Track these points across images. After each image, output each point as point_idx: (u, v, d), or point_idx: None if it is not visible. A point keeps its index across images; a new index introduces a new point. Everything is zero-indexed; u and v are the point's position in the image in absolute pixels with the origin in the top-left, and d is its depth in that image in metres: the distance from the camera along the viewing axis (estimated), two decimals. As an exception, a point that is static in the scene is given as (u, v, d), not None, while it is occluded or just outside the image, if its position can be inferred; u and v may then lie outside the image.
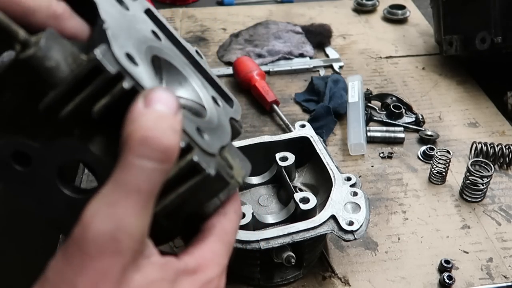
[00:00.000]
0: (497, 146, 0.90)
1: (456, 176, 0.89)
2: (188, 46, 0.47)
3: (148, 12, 0.45)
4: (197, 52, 0.47)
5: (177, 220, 0.42)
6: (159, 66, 0.41)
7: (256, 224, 0.68)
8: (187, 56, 0.46)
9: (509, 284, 0.71)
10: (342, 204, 0.67)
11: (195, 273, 0.38)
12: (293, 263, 0.65)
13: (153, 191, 0.33)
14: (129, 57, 0.35)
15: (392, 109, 1.02)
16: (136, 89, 0.34)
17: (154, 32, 0.43)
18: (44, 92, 0.34)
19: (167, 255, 0.37)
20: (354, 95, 1.03)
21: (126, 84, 0.34)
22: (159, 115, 0.33)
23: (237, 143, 0.78)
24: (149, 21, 0.44)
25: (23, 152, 0.37)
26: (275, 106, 1.03)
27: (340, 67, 1.20)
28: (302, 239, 0.64)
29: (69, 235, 0.32)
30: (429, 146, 0.94)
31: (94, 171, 0.39)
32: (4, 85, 0.35)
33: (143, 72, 0.35)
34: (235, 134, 0.46)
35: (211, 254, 0.39)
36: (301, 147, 0.80)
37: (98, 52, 0.33)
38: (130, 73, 0.34)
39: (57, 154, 0.37)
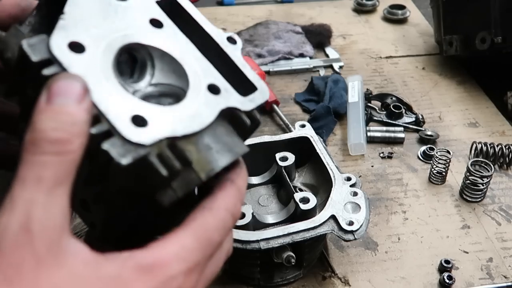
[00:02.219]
0: (497, 146, 0.90)
1: (456, 176, 0.89)
2: (215, 33, 0.46)
3: (165, 1, 0.46)
4: (229, 38, 0.47)
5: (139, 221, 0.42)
6: (148, 54, 0.42)
7: (256, 224, 0.68)
8: (203, 43, 0.46)
9: (509, 284, 0.71)
10: (342, 204, 0.67)
11: (151, 270, 0.34)
12: (293, 263, 0.65)
13: (59, 181, 0.33)
14: (74, 46, 0.38)
15: (392, 109, 1.02)
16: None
17: (152, 21, 0.43)
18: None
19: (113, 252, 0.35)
20: (354, 95, 1.03)
21: (46, 71, 0.36)
22: (59, 110, 0.33)
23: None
24: (154, 11, 0.44)
25: None
26: (275, 106, 1.03)
27: (340, 67, 1.20)
28: (302, 239, 0.64)
29: None
30: (429, 146, 0.94)
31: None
32: None
33: (83, 60, 0.37)
34: (239, 126, 0.43)
35: (177, 248, 0.36)
36: (301, 147, 0.80)
37: (25, 42, 0.36)
38: (59, 61, 0.36)
39: None
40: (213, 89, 0.42)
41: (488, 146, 0.90)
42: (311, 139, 0.79)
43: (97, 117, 0.36)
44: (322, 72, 1.18)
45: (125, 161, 0.35)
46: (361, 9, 1.44)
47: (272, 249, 0.65)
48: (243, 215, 0.66)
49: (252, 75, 0.45)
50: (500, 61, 1.12)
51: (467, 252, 0.76)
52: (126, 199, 0.41)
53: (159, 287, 0.34)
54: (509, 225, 0.80)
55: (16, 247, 0.31)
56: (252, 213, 0.66)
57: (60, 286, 0.31)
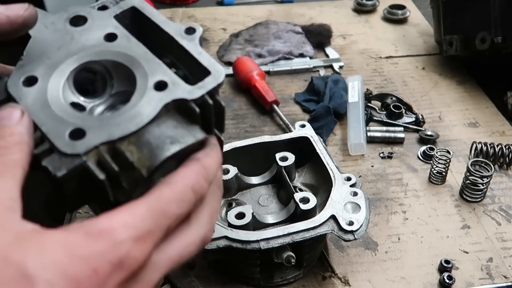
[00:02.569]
0: (497, 146, 0.90)
1: (456, 176, 0.89)
2: (173, 29, 0.49)
3: (124, 14, 0.50)
4: (187, 30, 0.49)
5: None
6: (104, 68, 0.47)
7: (256, 224, 0.68)
8: (165, 41, 0.49)
9: (509, 284, 0.71)
10: (342, 204, 0.67)
11: (98, 236, 0.35)
12: (293, 263, 0.65)
13: (1, 173, 0.38)
14: (27, 80, 0.43)
15: (392, 109, 1.02)
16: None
17: (106, 36, 0.48)
18: None
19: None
20: (354, 95, 1.03)
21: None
22: None
23: (238, 143, 0.78)
24: (111, 25, 0.48)
25: None
26: (275, 106, 1.03)
27: (340, 67, 1.20)
28: (302, 239, 0.64)
29: None
30: (429, 146, 0.94)
31: None
32: None
33: (33, 91, 0.43)
34: (181, 109, 0.45)
35: (126, 216, 0.37)
36: (301, 147, 0.80)
37: None
38: (13, 97, 0.42)
39: None
40: (159, 86, 0.44)
41: (488, 146, 0.90)
42: (311, 139, 0.79)
43: (42, 138, 0.41)
44: (322, 72, 1.18)
45: (60, 173, 0.39)
46: (361, 9, 1.44)
47: (272, 249, 0.65)
48: (243, 215, 0.66)
49: (207, 60, 0.46)
50: (500, 61, 1.12)
51: (467, 252, 0.76)
52: (95, 198, 0.43)
53: (106, 251, 0.35)
54: (509, 225, 0.80)
55: None
56: (252, 213, 0.66)
57: (4, 246, 0.33)
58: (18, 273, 0.32)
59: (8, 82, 0.43)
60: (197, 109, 0.44)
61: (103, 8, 0.50)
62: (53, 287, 0.33)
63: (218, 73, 0.46)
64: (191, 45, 0.48)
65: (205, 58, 0.47)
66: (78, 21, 0.49)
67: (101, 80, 0.47)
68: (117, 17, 0.49)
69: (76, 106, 0.45)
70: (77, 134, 0.41)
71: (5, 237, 0.34)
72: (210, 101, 0.45)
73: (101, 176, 0.40)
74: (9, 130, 0.40)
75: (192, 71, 0.47)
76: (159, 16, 0.50)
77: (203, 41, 0.49)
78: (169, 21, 0.49)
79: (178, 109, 0.44)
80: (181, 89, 0.44)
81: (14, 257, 0.33)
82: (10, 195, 0.36)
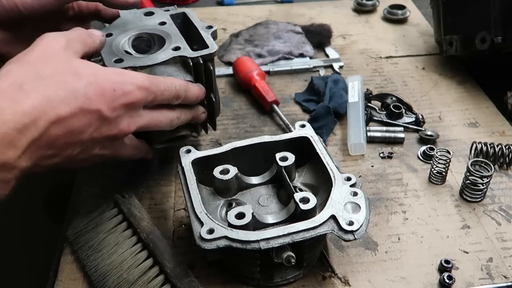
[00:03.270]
0: (497, 146, 0.90)
1: (456, 176, 0.89)
2: (200, 25, 0.83)
3: (178, 15, 0.87)
4: (207, 27, 0.83)
5: None
6: (152, 36, 0.80)
7: (256, 224, 0.68)
8: (196, 33, 0.82)
9: (509, 284, 0.71)
10: (342, 204, 0.67)
11: (119, 73, 0.64)
12: (293, 263, 0.65)
13: (72, 41, 0.65)
14: (107, 34, 0.78)
15: (392, 109, 1.02)
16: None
17: (160, 23, 0.83)
18: None
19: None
20: (354, 95, 1.03)
21: (97, 40, 0.71)
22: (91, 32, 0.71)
23: (238, 143, 0.78)
24: (165, 18, 0.84)
25: None
26: (275, 106, 1.03)
27: (340, 67, 1.20)
28: (302, 239, 0.64)
29: None
30: (429, 146, 0.94)
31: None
32: None
33: (109, 39, 0.77)
34: (184, 64, 0.76)
35: (137, 74, 0.66)
36: (301, 147, 0.80)
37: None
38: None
39: None
40: (175, 48, 0.76)
41: (488, 146, 0.90)
42: (311, 139, 0.79)
43: (100, 59, 0.72)
44: (322, 72, 1.18)
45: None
46: (361, 9, 1.44)
47: (272, 249, 0.65)
48: (243, 215, 0.66)
49: (210, 41, 0.79)
50: (500, 61, 1.12)
51: (467, 252, 0.76)
52: None
53: (121, 82, 0.62)
54: (509, 225, 0.80)
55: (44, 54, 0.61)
56: (252, 213, 0.66)
57: (64, 58, 0.61)
58: (73, 71, 0.59)
59: (98, 33, 0.72)
60: (190, 62, 0.75)
61: (167, 11, 0.86)
62: (91, 84, 0.59)
63: (212, 47, 0.78)
64: (205, 33, 0.81)
65: (209, 40, 0.80)
66: (148, 14, 0.84)
67: (148, 46, 0.80)
68: (172, 16, 0.84)
69: (128, 53, 0.76)
70: (118, 60, 0.72)
71: (66, 55, 0.61)
72: (201, 61, 0.76)
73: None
74: (94, 34, 0.69)
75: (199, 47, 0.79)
76: (196, 19, 0.85)
77: (216, 34, 0.82)
78: (201, 22, 0.84)
79: (183, 65, 0.75)
80: (187, 51, 0.76)
81: (73, 62, 0.60)
82: (71, 52, 0.62)
